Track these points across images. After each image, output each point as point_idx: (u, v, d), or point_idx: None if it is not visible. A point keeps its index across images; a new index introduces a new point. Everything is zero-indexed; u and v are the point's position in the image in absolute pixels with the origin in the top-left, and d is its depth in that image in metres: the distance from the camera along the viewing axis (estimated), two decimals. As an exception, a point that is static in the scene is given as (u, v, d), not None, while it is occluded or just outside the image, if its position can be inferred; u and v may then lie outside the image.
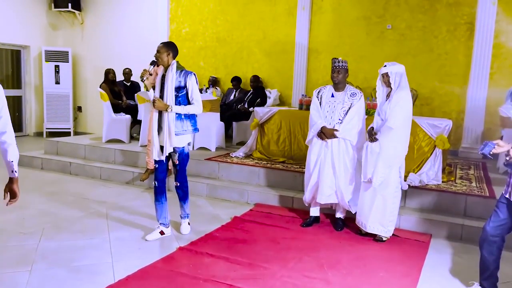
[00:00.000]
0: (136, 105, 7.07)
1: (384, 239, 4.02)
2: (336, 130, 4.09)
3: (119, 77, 7.82)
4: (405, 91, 3.86)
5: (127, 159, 6.29)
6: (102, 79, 7.44)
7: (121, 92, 7.45)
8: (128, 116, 7.09)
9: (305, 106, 5.93)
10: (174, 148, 3.81)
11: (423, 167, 5.04)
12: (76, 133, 9.59)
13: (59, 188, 5.56)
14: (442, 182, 4.96)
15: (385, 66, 3.91)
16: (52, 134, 9.32)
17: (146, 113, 6.49)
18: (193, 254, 3.59)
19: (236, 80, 8.09)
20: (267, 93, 7.89)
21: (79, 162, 6.38)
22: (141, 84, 7.84)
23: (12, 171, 2.39)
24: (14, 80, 9.63)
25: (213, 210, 4.86)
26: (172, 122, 3.73)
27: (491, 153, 2.70)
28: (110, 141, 6.92)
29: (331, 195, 4.21)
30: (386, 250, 3.87)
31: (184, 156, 3.89)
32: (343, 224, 4.36)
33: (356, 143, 4.12)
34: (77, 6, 9.55)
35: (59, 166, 6.46)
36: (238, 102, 7.67)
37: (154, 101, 3.74)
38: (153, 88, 3.83)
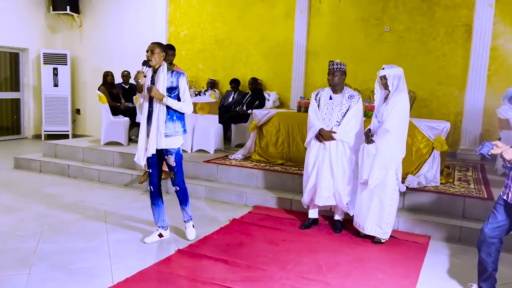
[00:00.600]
0: (135, 107, 7.06)
1: (382, 241, 4.02)
2: (334, 132, 4.10)
3: (118, 79, 7.83)
4: (403, 94, 3.86)
5: (125, 162, 6.28)
6: (101, 82, 7.45)
7: (120, 95, 7.45)
8: (127, 119, 7.09)
9: (303, 108, 5.93)
10: (169, 150, 3.76)
11: (422, 169, 5.05)
12: (75, 136, 9.57)
13: (58, 190, 5.55)
14: (441, 183, 4.97)
15: (383, 68, 3.91)
16: (51, 136, 9.31)
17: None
18: (192, 256, 3.59)
19: (234, 82, 8.11)
20: (265, 95, 7.91)
21: (77, 165, 6.38)
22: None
23: None
24: (13, 82, 9.61)
25: (211, 213, 4.85)
26: (162, 123, 3.64)
27: (490, 153, 2.71)
28: (109, 143, 6.92)
29: (329, 197, 4.21)
30: (384, 252, 3.87)
31: (180, 157, 3.84)
32: (341, 226, 4.36)
33: (353, 145, 4.13)
34: (75, 8, 9.55)
35: (58, 169, 6.45)
36: (237, 104, 7.68)
37: (149, 89, 3.61)
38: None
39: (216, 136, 6.61)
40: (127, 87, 7.88)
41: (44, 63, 9.38)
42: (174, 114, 3.73)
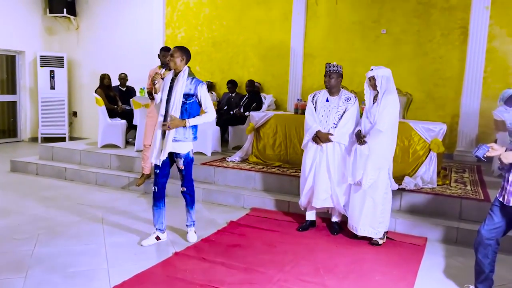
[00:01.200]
0: (132, 110, 7.05)
1: (380, 242, 4.03)
2: (331, 134, 4.11)
3: (115, 82, 7.81)
4: (393, 95, 3.93)
5: (122, 164, 6.27)
6: (98, 84, 7.44)
7: (117, 97, 7.44)
8: (124, 121, 7.08)
9: (300, 110, 5.94)
10: (179, 154, 3.81)
11: (418, 170, 5.06)
12: (72, 138, 9.55)
13: (54, 193, 5.53)
14: (437, 185, 4.99)
15: (372, 69, 4.00)
16: (47, 139, 9.27)
17: (141, 118, 6.49)
18: (189, 259, 3.59)
19: (231, 83, 8.08)
20: (262, 97, 7.91)
21: (74, 168, 6.36)
22: (137, 89, 7.85)
23: None
24: (9, 85, 9.58)
25: (209, 215, 4.85)
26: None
27: (485, 155, 2.72)
28: (106, 146, 6.90)
29: (326, 199, 4.22)
30: (382, 253, 3.88)
31: (189, 161, 3.90)
32: (339, 228, 4.37)
33: (348, 145, 4.14)
34: (72, 11, 9.54)
35: (55, 172, 6.43)
36: (234, 107, 7.67)
37: (168, 121, 3.69)
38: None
39: (214, 139, 6.61)
40: (124, 89, 7.87)
41: (40, 66, 9.36)
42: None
